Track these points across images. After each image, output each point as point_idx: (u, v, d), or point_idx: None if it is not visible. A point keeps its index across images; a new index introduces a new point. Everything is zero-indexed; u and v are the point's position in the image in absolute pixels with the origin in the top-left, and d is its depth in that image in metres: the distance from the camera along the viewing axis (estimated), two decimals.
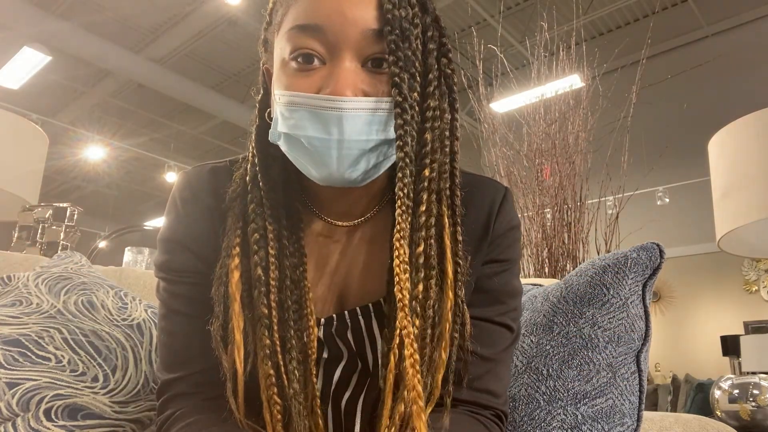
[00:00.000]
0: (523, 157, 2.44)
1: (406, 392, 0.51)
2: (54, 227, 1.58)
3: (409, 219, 0.54)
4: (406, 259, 0.53)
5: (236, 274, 0.57)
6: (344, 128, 0.52)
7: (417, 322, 0.53)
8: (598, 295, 0.73)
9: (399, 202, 0.53)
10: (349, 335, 0.63)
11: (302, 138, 0.53)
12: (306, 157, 0.54)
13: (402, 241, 0.53)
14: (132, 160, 8.47)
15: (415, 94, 0.55)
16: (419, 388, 0.50)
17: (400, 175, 0.53)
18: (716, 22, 6.44)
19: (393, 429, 0.53)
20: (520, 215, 2.36)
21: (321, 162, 0.53)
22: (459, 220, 0.58)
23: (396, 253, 0.53)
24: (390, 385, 0.54)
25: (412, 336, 0.51)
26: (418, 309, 0.53)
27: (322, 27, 0.53)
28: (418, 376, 0.50)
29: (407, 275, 0.52)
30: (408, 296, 0.52)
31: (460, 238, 0.57)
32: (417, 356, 0.51)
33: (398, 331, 0.51)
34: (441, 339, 0.55)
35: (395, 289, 0.52)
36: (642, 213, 3.37)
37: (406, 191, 0.53)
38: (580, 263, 1.85)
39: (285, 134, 0.55)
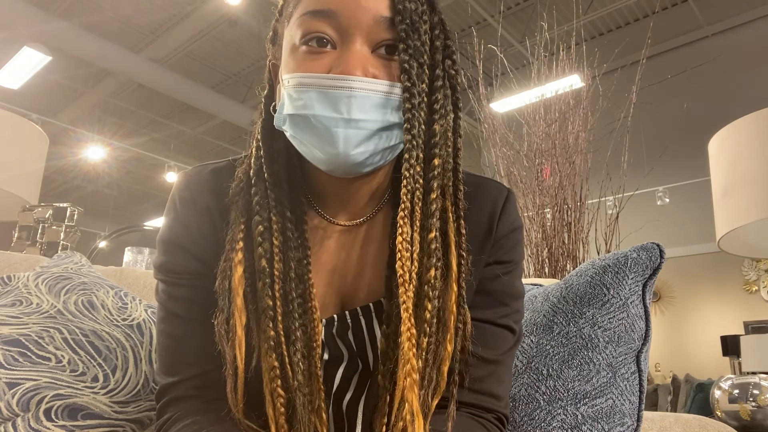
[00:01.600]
0: (523, 157, 2.44)
1: (400, 366, 0.50)
2: (54, 227, 1.58)
3: (420, 204, 0.54)
4: (409, 238, 0.53)
5: (239, 269, 0.56)
6: (353, 107, 0.52)
7: (429, 306, 0.53)
8: (598, 295, 0.73)
9: (405, 182, 0.53)
10: (350, 335, 0.63)
11: (310, 117, 0.53)
12: (312, 137, 0.54)
13: (406, 219, 0.53)
14: (132, 160, 8.48)
15: (423, 84, 0.55)
16: (414, 362, 0.50)
17: (407, 156, 0.53)
18: (716, 22, 6.44)
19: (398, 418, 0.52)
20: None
21: (327, 141, 0.53)
22: (462, 213, 0.58)
23: (399, 230, 0.53)
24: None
25: (410, 311, 0.51)
26: (430, 293, 0.53)
27: (335, 12, 0.54)
28: (414, 350, 0.50)
29: (408, 253, 0.52)
30: (408, 273, 0.52)
31: (463, 231, 0.58)
32: (414, 331, 0.51)
33: (402, 305, 0.51)
34: (446, 331, 0.55)
35: (396, 265, 0.51)
36: (642, 213, 3.37)
37: (411, 172, 0.54)
38: (580, 263, 1.85)
39: (291, 116, 0.55)
